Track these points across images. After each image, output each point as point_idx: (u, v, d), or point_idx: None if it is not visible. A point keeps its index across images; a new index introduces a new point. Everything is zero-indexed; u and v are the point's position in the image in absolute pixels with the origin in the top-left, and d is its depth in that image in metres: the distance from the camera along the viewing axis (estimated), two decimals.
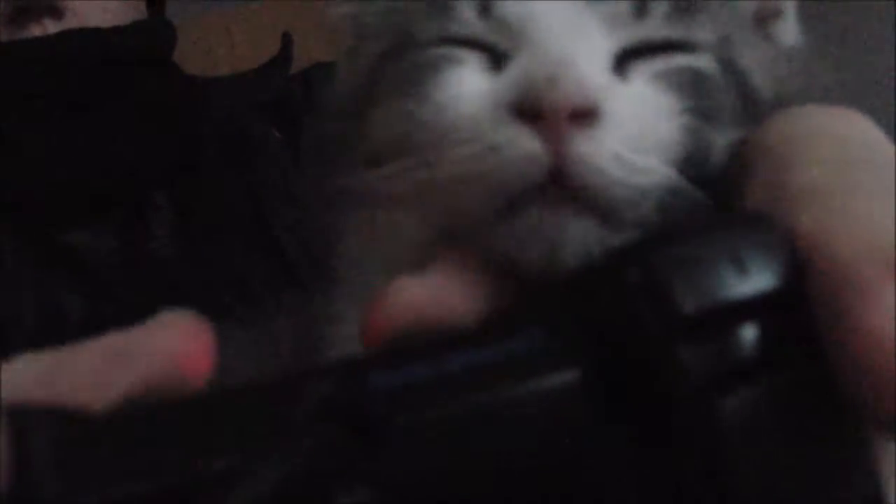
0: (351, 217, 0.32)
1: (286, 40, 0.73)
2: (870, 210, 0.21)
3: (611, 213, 0.27)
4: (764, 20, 0.33)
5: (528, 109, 0.27)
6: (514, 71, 0.28)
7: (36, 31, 0.61)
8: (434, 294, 0.24)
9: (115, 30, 0.63)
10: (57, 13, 0.61)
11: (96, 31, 0.62)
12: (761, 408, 0.20)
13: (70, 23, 0.62)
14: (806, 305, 0.20)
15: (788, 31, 0.34)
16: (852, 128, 0.24)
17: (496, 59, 0.29)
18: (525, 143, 0.27)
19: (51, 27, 0.61)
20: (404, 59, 0.31)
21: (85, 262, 0.60)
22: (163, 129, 0.63)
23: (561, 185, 0.27)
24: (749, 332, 0.20)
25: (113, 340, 0.23)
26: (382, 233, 0.31)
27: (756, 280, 0.20)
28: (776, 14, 0.34)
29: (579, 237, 0.26)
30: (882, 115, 0.26)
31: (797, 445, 0.20)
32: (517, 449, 0.20)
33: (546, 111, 0.26)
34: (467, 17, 0.30)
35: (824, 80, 0.33)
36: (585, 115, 0.27)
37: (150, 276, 0.60)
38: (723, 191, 0.27)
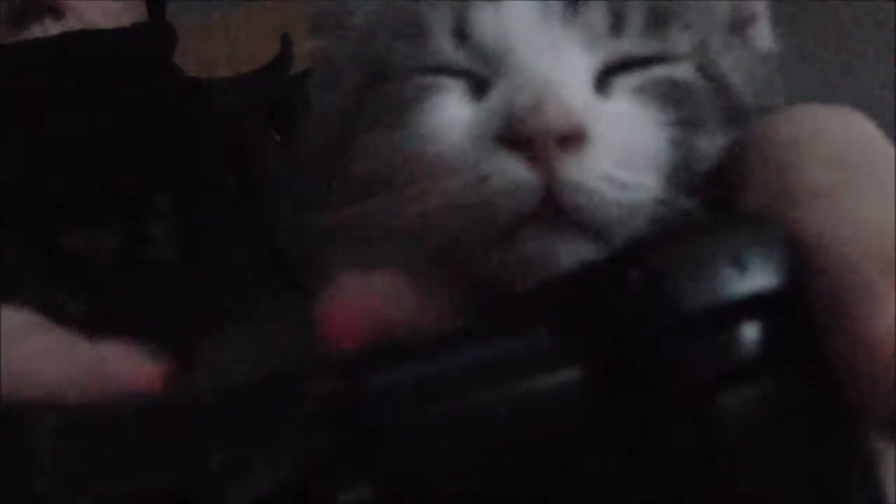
0: (336, 253, 0.31)
1: (286, 41, 0.73)
2: (872, 211, 0.21)
3: (604, 231, 0.27)
4: (739, 26, 0.33)
5: (515, 137, 0.27)
6: (497, 98, 0.28)
7: (36, 31, 0.61)
8: (384, 290, 0.24)
9: (116, 31, 0.63)
10: (57, 14, 0.62)
11: (97, 33, 0.62)
12: (762, 408, 0.20)
13: (70, 23, 0.62)
14: (807, 306, 0.20)
15: (763, 34, 0.34)
16: (852, 128, 0.24)
17: (477, 85, 0.29)
18: (515, 172, 0.26)
19: (51, 28, 0.61)
20: (382, 90, 0.30)
21: (85, 265, 0.60)
22: (163, 131, 0.63)
23: (553, 210, 0.26)
24: (750, 333, 0.20)
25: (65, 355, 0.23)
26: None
27: (757, 280, 0.20)
28: (751, 18, 0.33)
29: (575, 259, 0.26)
30: (877, 110, 0.25)
31: (798, 446, 0.20)
32: (517, 448, 0.20)
33: (533, 138, 0.26)
34: (443, 45, 0.30)
35: (806, 83, 0.32)
36: (573, 139, 0.26)
37: (150, 278, 0.60)
38: (719, 192, 0.26)
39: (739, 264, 0.20)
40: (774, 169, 0.24)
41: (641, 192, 0.27)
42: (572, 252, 0.26)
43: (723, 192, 0.26)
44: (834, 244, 0.20)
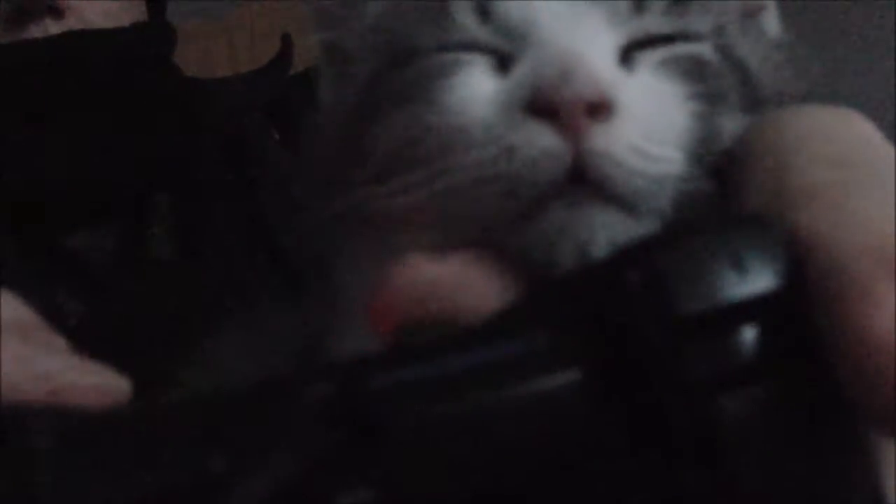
0: (352, 241, 0.32)
1: (286, 41, 0.73)
2: (870, 210, 0.21)
3: (631, 203, 0.27)
4: (749, 15, 0.33)
5: (544, 106, 0.27)
6: (524, 70, 0.28)
7: (36, 31, 0.61)
8: (450, 274, 0.24)
9: (116, 31, 0.63)
10: (57, 13, 0.62)
11: (96, 33, 0.62)
12: (761, 409, 0.20)
13: (70, 23, 0.62)
14: (806, 306, 0.20)
15: (770, 24, 0.34)
16: (850, 127, 0.24)
17: (501, 61, 0.29)
18: (543, 141, 0.26)
19: (51, 27, 0.61)
20: (405, 70, 0.30)
21: (84, 265, 0.60)
22: (163, 131, 0.63)
23: (582, 180, 0.27)
24: (749, 333, 0.20)
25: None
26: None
27: (756, 281, 0.20)
28: (758, 10, 0.34)
29: (607, 230, 0.26)
30: (877, 110, 0.26)
31: (797, 446, 0.20)
32: (517, 449, 0.20)
33: (562, 107, 0.26)
34: (467, 23, 0.30)
35: (813, 72, 0.33)
36: (601, 109, 0.27)
37: (150, 278, 0.60)
38: (723, 187, 0.27)
39: (739, 265, 0.20)
40: (773, 169, 0.24)
41: (667, 165, 0.27)
42: (601, 223, 0.27)
43: (723, 191, 0.26)
44: (832, 244, 0.20)
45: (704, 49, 0.30)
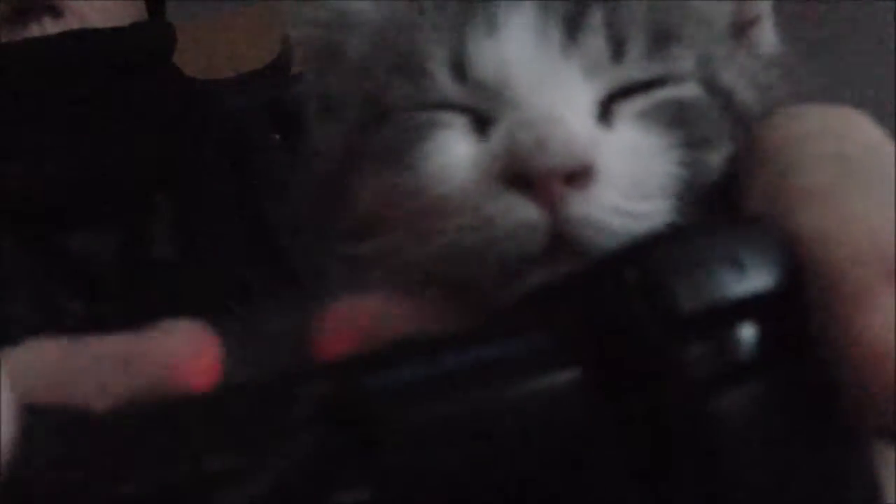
0: (343, 285, 0.31)
1: (286, 41, 0.73)
2: (869, 212, 0.21)
3: None
4: (742, 28, 0.33)
5: (520, 177, 0.26)
6: (500, 137, 0.27)
7: (36, 31, 0.61)
8: (381, 310, 0.24)
9: (115, 30, 0.63)
10: (57, 13, 0.62)
11: (96, 32, 0.62)
12: (759, 408, 0.20)
13: (70, 23, 0.62)
14: (804, 307, 0.20)
15: (766, 36, 0.33)
16: (852, 127, 0.24)
17: (479, 121, 0.28)
18: (521, 213, 0.26)
19: (51, 27, 0.61)
20: (384, 128, 0.30)
21: (84, 265, 0.60)
22: (163, 131, 0.63)
23: (562, 246, 0.26)
24: (747, 333, 0.20)
25: (119, 344, 0.23)
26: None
27: (754, 281, 0.20)
28: (754, 21, 0.33)
29: None
30: (878, 112, 0.25)
31: (795, 446, 0.20)
32: (515, 448, 0.20)
33: (538, 178, 0.26)
34: (442, 81, 0.29)
35: (810, 86, 0.32)
36: (579, 176, 0.26)
37: (150, 279, 0.60)
38: (724, 195, 0.26)
39: (737, 264, 0.20)
40: (774, 169, 0.23)
41: (651, 218, 0.27)
42: None
43: (729, 196, 0.26)
44: (832, 245, 0.20)
45: (688, 89, 0.29)
